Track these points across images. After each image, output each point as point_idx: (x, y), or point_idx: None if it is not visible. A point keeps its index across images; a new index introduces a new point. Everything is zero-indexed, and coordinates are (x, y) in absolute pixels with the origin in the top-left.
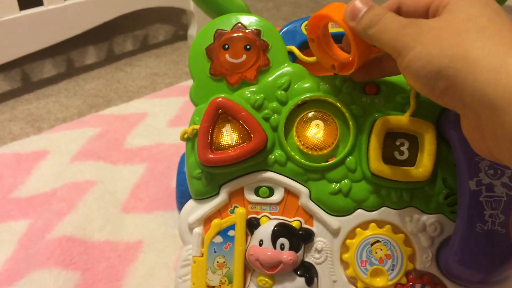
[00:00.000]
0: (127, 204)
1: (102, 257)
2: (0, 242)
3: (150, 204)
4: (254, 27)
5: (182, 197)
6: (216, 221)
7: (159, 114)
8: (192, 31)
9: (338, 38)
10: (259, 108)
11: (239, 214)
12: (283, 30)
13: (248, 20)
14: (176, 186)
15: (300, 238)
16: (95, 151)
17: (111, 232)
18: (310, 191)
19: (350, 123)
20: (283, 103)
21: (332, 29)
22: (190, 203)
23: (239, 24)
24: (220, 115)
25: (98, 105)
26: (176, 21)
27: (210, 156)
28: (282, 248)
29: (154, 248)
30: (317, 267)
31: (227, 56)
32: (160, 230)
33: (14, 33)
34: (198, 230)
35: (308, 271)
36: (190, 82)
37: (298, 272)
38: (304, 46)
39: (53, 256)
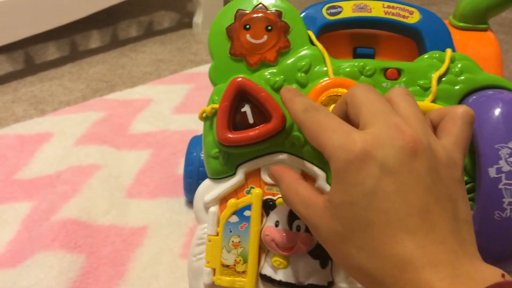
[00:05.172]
0: (132, 189)
1: (107, 241)
2: (3, 222)
3: (155, 190)
4: (275, 9)
5: (190, 177)
6: (232, 200)
7: (164, 101)
8: (197, 19)
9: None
10: (278, 89)
11: (256, 195)
12: (303, 14)
13: (269, 1)
14: (185, 166)
15: None
16: (99, 135)
17: (116, 217)
18: (327, 175)
19: None
20: (303, 85)
21: (354, 13)
22: (206, 182)
23: (261, 5)
24: (239, 95)
25: (102, 89)
26: (181, 9)
27: (229, 135)
28: (298, 230)
29: (159, 234)
30: None
31: (248, 36)
32: (165, 216)
33: (18, 14)
34: (214, 209)
35: (322, 254)
36: (195, 70)
37: (313, 255)
38: (324, 30)
39: (57, 238)
